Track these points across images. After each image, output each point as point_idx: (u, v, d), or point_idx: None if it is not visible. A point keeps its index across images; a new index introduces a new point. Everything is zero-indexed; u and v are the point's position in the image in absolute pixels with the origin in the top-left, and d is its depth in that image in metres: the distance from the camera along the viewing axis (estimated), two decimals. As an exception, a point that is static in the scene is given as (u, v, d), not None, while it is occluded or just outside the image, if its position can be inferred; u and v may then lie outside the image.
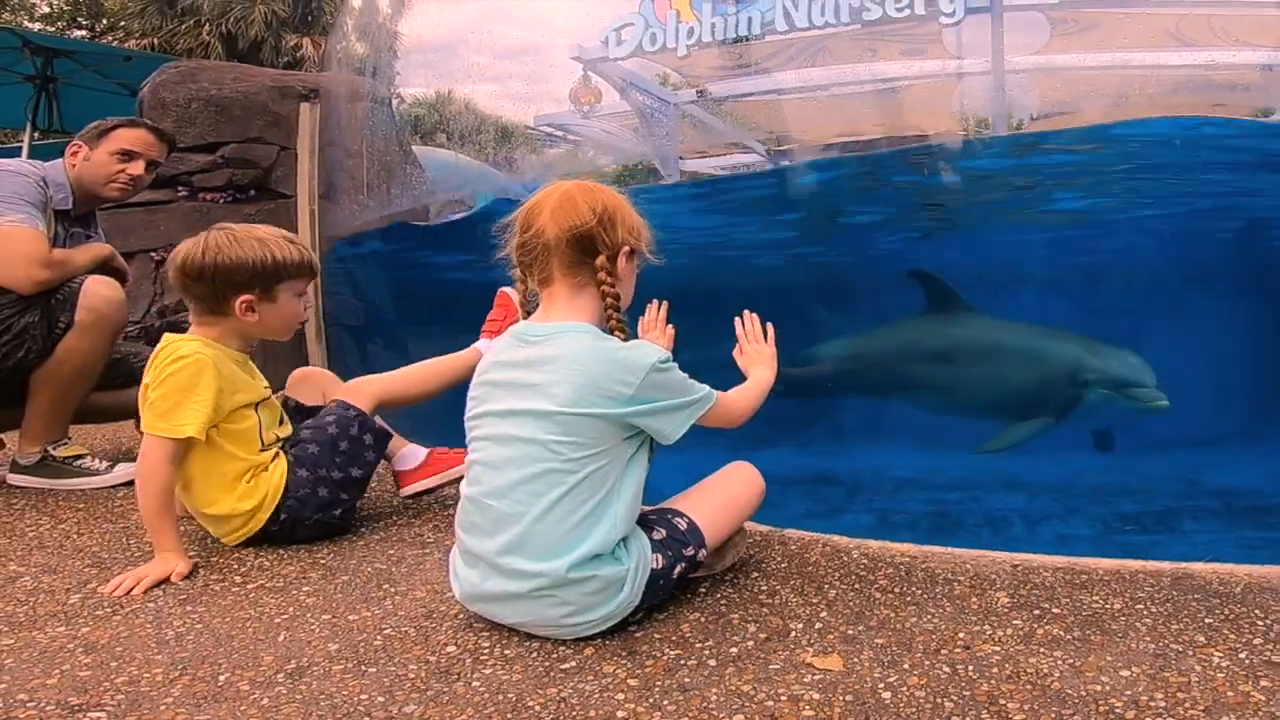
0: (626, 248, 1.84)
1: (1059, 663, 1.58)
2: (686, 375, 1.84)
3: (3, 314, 2.76)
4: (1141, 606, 1.80)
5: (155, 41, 19.74)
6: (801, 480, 4.59)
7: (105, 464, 2.95)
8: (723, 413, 1.91)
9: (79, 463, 2.93)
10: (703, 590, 1.95)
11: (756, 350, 2.20)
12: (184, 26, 20.13)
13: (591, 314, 1.84)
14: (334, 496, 2.35)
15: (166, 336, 2.27)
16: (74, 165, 3.08)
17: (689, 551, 1.85)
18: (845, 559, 2.13)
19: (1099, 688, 1.49)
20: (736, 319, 2.25)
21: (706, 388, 1.87)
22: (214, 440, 2.23)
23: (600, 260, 1.80)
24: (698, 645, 1.69)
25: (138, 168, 3.15)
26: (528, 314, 1.92)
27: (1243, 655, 1.59)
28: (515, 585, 1.70)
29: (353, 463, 2.40)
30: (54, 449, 2.92)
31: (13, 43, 8.55)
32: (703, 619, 1.81)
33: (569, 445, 1.70)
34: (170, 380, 2.17)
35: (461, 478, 1.99)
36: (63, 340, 2.81)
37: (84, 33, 21.39)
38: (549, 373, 1.74)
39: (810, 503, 4.33)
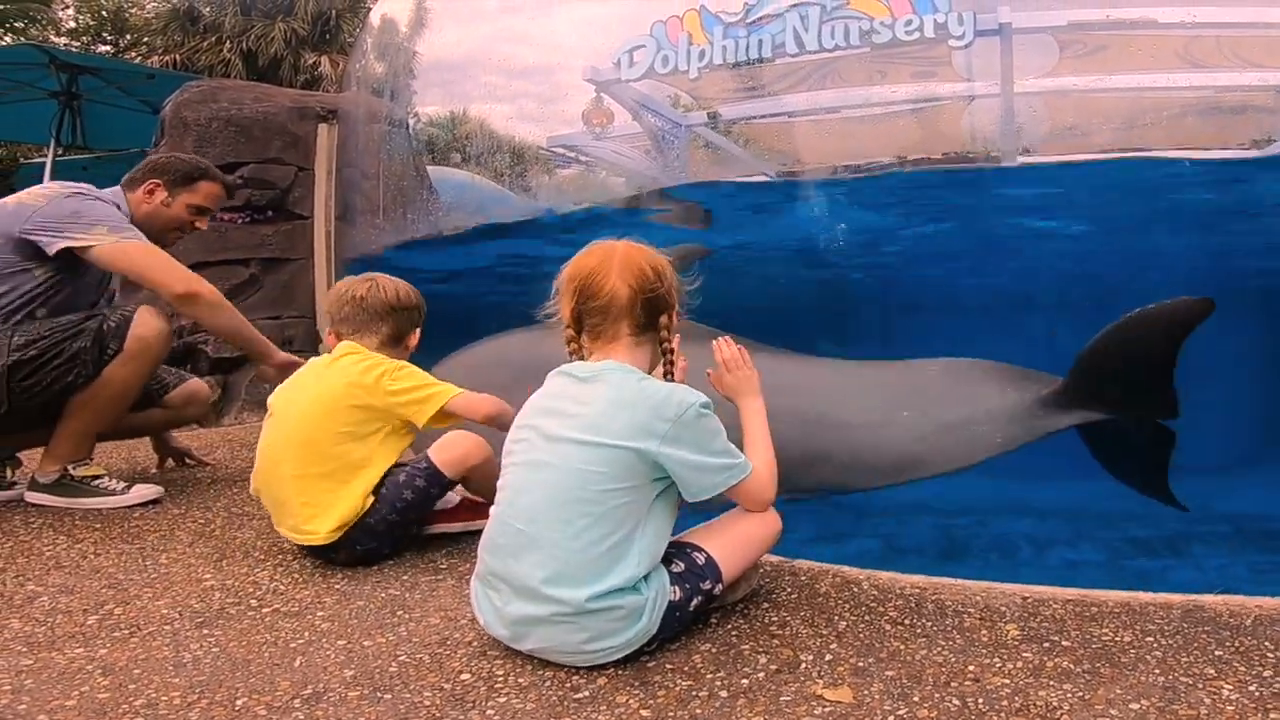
0: (676, 307, 1.96)
1: (1068, 695, 1.59)
2: (726, 438, 1.88)
3: (55, 338, 2.80)
4: (1152, 639, 1.81)
5: (177, 58, 19.86)
6: (807, 504, 4.58)
7: (123, 485, 2.97)
8: (754, 490, 1.92)
9: (97, 483, 2.95)
10: (714, 621, 1.96)
11: (744, 377, 2.12)
12: (205, 44, 20.26)
13: (644, 366, 1.93)
14: (390, 534, 2.40)
15: (344, 347, 2.51)
16: (147, 204, 3.12)
17: (706, 585, 1.86)
18: (855, 590, 2.13)
19: (1109, 722, 1.50)
20: (714, 341, 2.18)
21: (744, 457, 1.91)
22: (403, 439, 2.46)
23: (664, 319, 1.93)
24: (709, 676, 1.71)
25: (204, 223, 3.30)
26: None
27: (1253, 688, 1.60)
28: (535, 609, 1.73)
29: (412, 509, 2.41)
30: (73, 468, 2.94)
31: (40, 59, 8.66)
32: (714, 649, 1.82)
33: (599, 476, 1.75)
34: (410, 371, 2.45)
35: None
36: (108, 366, 2.85)
37: (108, 48, 21.58)
38: (591, 405, 1.81)
39: (816, 526, 4.33)
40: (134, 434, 3.42)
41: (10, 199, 2.96)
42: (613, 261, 1.90)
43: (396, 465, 2.44)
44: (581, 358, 1.93)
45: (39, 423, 2.94)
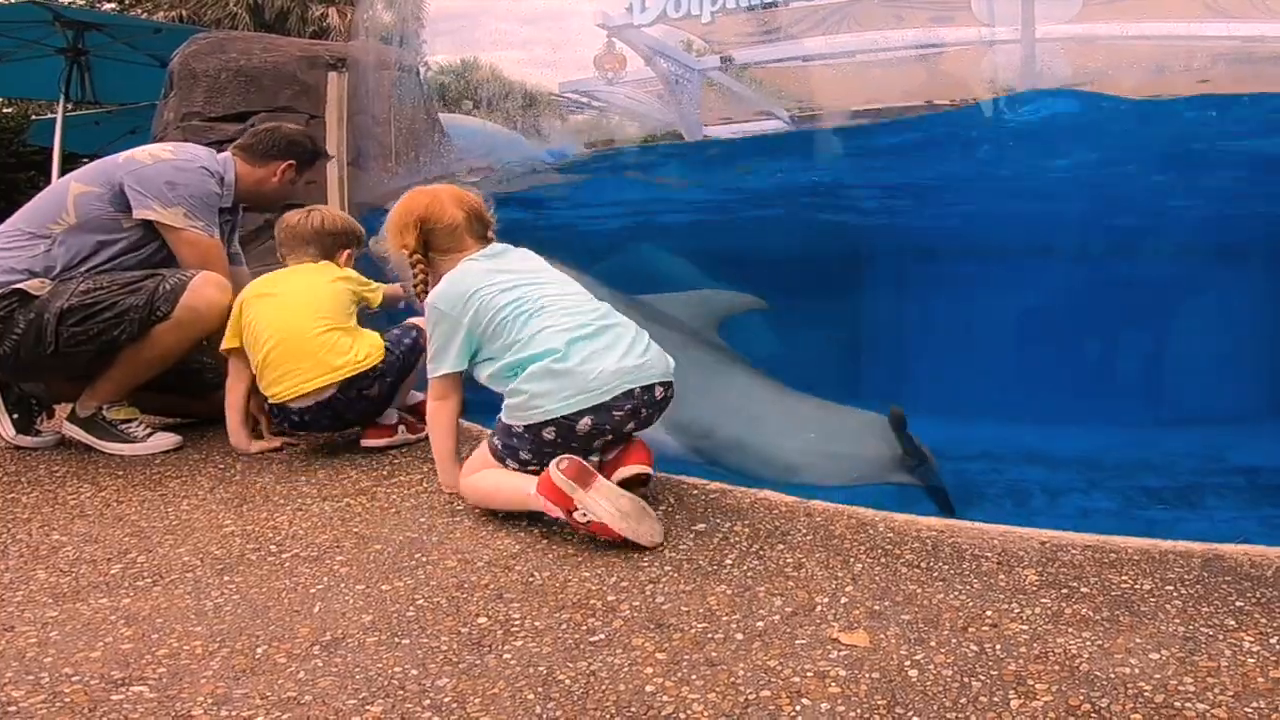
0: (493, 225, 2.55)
1: (1088, 643, 1.59)
2: None
3: (112, 290, 2.82)
4: (1171, 588, 1.80)
5: (183, 13, 19.70)
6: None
7: (145, 431, 3.00)
8: None
9: (124, 427, 2.98)
10: (729, 562, 1.97)
11: None
12: (211, -3, 20.16)
13: None
14: (398, 375, 2.93)
15: (310, 265, 3.01)
16: (274, 180, 3.25)
17: None
18: (871, 532, 2.13)
19: (1128, 670, 1.49)
20: None
21: None
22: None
23: (490, 234, 2.52)
24: (724, 618, 1.71)
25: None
26: None
27: (1274, 640, 1.59)
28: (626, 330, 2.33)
29: (411, 352, 2.94)
30: (107, 410, 2.98)
31: (44, 16, 8.61)
32: (729, 591, 1.83)
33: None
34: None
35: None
36: (155, 328, 2.84)
37: (114, 5, 21.38)
38: (529, 257, 2.53)
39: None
40: (167, 413, 3.38)
41: (137, 150, 3.04)
42: (443, 196, 2.45)
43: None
44: (428, 274, 2.43)
45: (88, 376, 2.97)
